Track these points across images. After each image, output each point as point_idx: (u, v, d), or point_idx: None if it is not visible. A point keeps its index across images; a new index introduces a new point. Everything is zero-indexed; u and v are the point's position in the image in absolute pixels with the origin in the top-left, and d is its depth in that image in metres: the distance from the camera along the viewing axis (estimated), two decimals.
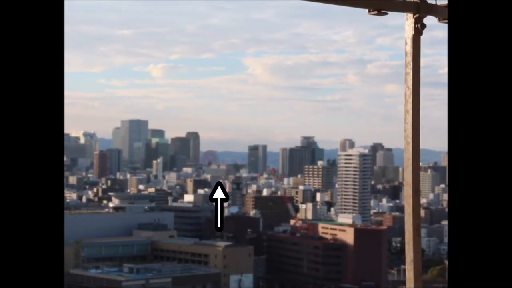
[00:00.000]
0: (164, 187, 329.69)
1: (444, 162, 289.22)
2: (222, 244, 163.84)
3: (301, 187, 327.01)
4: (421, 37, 4.23)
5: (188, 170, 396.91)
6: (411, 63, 4.03)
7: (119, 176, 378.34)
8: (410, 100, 4.09)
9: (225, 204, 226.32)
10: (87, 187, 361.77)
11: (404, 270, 12.17)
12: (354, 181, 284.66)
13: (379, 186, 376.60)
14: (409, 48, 4.00)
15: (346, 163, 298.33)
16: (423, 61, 4.14)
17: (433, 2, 4.18)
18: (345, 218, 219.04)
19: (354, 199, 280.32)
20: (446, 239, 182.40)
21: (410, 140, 4.15)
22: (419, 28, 3.97)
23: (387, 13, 3.80)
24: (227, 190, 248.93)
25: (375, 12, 3.85)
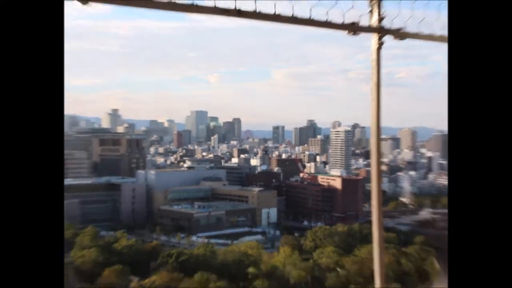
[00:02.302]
0: (219, 154, 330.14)
1: (399, 135, 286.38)
2: (256, 189, 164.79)
3: (307, 153, 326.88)
4: (382, 50, 4.09)
5: (234, 142, 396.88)
6: (376, 67, 3.89)
7: (190, 147, 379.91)
8: (375, 91, 3.95)
9: (258, 164, 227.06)
10: (170, 154, 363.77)
11: None
12: (341, 148, 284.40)
13: (357, 151, 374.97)
14: (374, 56, 3.86)
15: (336, 136, 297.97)
16: (385, 70, 4.01)
17: (390, 26, 4.01)
18: (335, 172, 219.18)
19: (341, 159, 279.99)
20: (400, 184, 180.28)
21: (375, 118, 4.01)
22: (381, 43, 3.81)
23: (359, 33, 3.65)
24: (259, 155, 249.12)
25: (352, 33, 3.71)
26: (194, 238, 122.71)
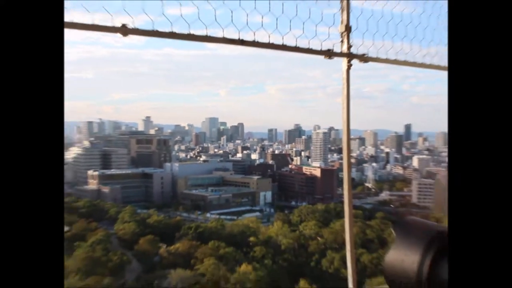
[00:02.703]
0: (227, 150, 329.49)
1: (364, 135, 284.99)
2: (255, 177, 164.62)
3: (294, 149, 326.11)
4: (350, 71, 4.08)
5: (238, 141, 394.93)
6: (346, 84, 3.89)
7: (205, 145, 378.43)
8: (345, 102, 3.95)
9: (257, 158, 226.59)
10: (189, 150, 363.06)
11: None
12: (320, 145, 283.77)
13: (332, 148, 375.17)
14: (344, 75, 3.85)
15: (316, 136, 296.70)
16: (353, 86, 4.00)
17: (356, 52, 4.00)
18: (316, 163, 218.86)
19: (320, 154, 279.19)
20: (365, 173, 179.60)
21: (345, 123, 4.01)
22: (349, 65, 3.80)
23: (333, 58, 3.65)
24: (258, 151, 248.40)
25: (328, 57, 3.72)
26: (208, 214, 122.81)
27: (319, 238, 71.20)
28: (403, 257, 0.91)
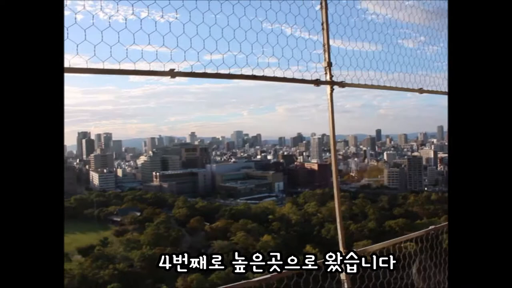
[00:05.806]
0: (250, 154, 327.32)
1: (347, 138, 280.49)
2: (271, 172, 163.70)
3: (298, 151, 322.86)
4: (333, 93, 4.09)
5: (257, 147, 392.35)
6: (330, 103, 3.90)
7: (234, 150, 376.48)
8: (330, 116, 3.95)
9: (271, 158, 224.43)
10: (223, 155, 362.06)
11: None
12: (316, 147, 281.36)
13: (325, 149, 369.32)
14: (329, 97, 3.86)
15: (313, 141, 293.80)
16: (338, 103, 4.00)
17: (336, 80, 4.00)
18: (314, 160, 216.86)
19: (316, 153, 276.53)
20: (349, 166, 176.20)
21: (331, 130, 4.01)
22: (332, 89, 3.80)
23: (321, 85, 3.67)
24: (272, 153, 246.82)
25: (317, 85, 3.73)
26: (238, 200, 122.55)
27: (318, 214, 70.50)
28: None
